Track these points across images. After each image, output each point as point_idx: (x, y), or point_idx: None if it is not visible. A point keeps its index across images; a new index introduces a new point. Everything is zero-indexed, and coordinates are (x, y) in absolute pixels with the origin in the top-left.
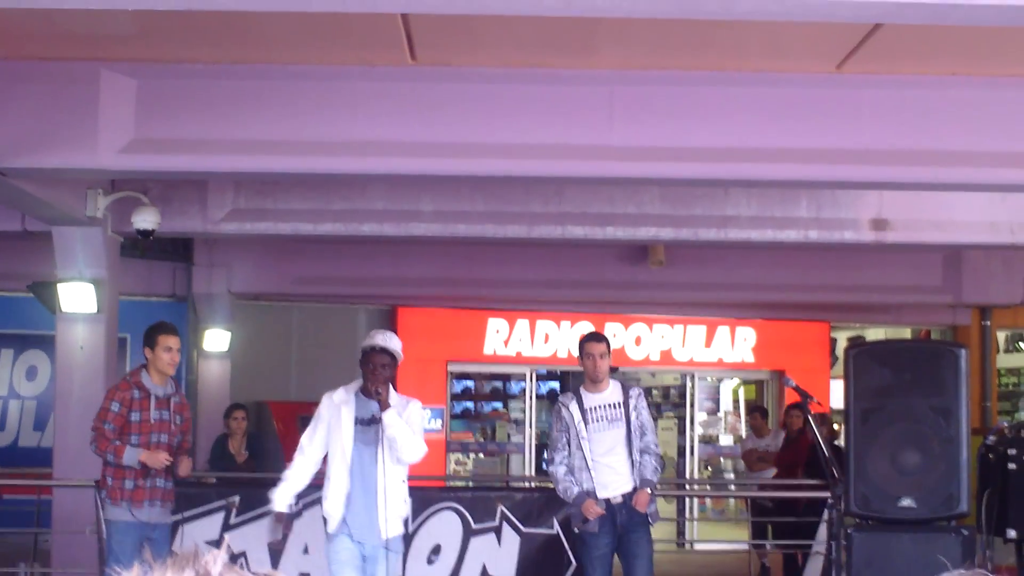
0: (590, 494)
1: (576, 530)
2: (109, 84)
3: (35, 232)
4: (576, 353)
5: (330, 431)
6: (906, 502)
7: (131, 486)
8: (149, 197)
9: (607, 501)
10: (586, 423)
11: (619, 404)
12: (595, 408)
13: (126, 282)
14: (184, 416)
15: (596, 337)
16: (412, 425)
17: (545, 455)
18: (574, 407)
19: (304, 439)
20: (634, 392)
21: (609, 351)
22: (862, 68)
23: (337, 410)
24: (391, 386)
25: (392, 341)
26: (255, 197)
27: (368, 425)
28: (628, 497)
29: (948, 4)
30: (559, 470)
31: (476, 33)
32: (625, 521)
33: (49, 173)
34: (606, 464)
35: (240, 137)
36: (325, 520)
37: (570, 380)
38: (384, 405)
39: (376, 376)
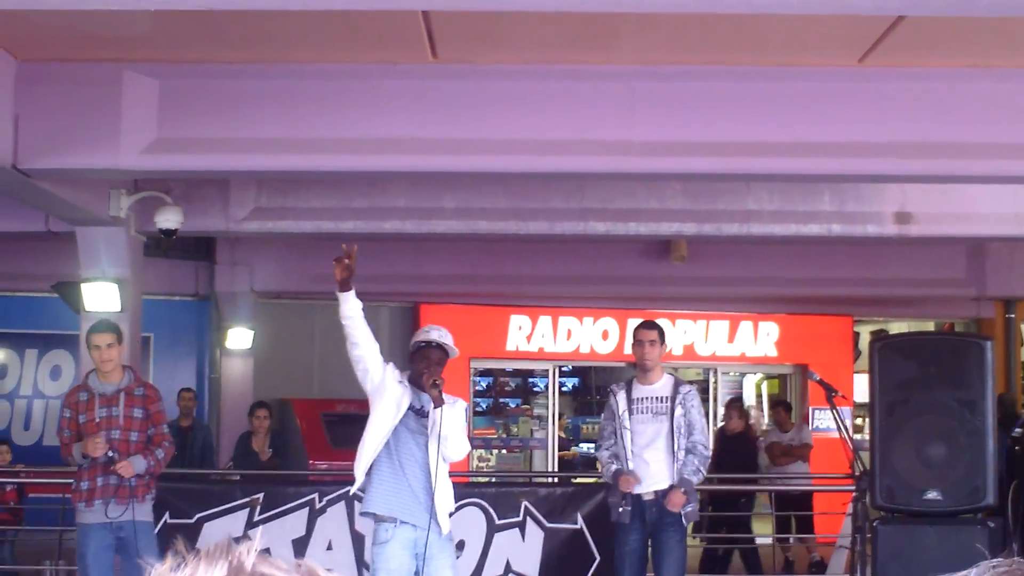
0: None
1: (612, 520)
2: (131, 85)
3: (59, 232)
4: (599, 348)
5: (385, 395)
6: (932, 495)
7: (86, 487)
8: (172, 196)
9: (638, 496)
10: (630, 413)
11: (667, 398)
12: (642, 399)
13: (149, 281)
14: (150, 409)
15: (647, 324)
16: (459, 424)
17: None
18: (621, 396)
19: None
20: (684, 388)
21: (662, 340)
22: (884, 61)
23: (397, 387)
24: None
25: (447, 337)
26: (277, 196)
27: (418, 415)
28: (662, 495)
29: None
30: (603, 455)
31: (497, 30)
32: (655, 519)
33: (72, 174)
34: (644, 458)
35: (262, 136)
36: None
37: (592, 376)
38: (438, 401)
39: (432, 371)
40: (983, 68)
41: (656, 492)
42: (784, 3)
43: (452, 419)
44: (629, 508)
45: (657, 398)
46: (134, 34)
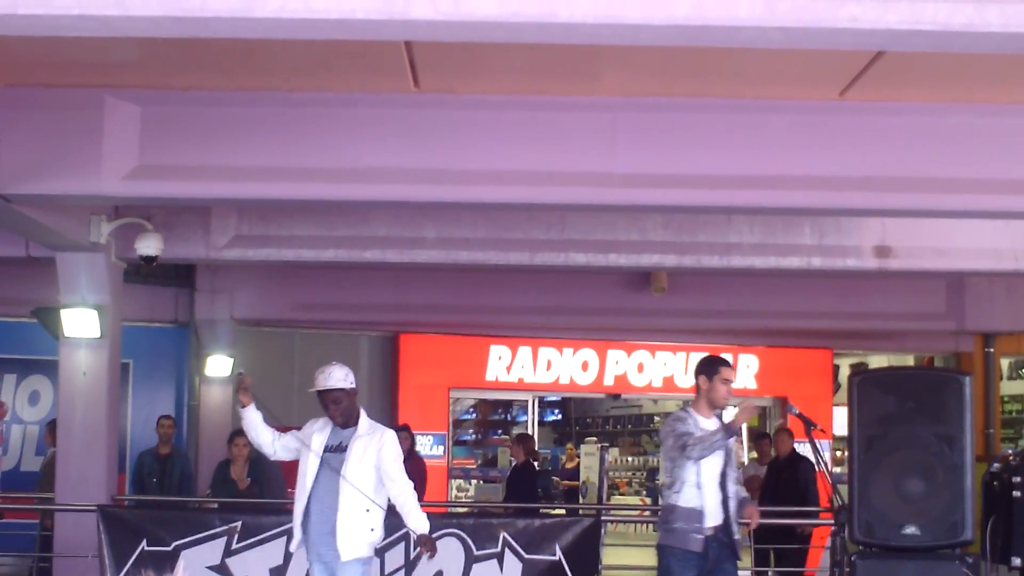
0: (697, 513)
1: (666, 561)
2: (113, 111)
3: (39, 257)
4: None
5: (302, 456)
6: (910, 530)
7: None
8: (152, 223)
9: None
10: None
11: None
12: (712, 433)
13: (129, 308)
14: None
15: (729, 363)
16: (386, 456)
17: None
18: (692, 421)
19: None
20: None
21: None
22: (865, 95)
23: (311, 436)
24: (359, 414)
25: (332, 379)
26: (258, 223)
27: (336, 453)
28: (719, 530)
29: (952, 32)
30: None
31: (479, 60)
32: (716, 554)
33: (53, 199)
34: (709, 491)
35: (243, 164)
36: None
37: (572, 407)
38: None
39: (332, 412)
40: (964, 103)
41: (715, 527)
42: (766, 37)
43: (379, 450)
44: (702, 538)
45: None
46: (117, 60)
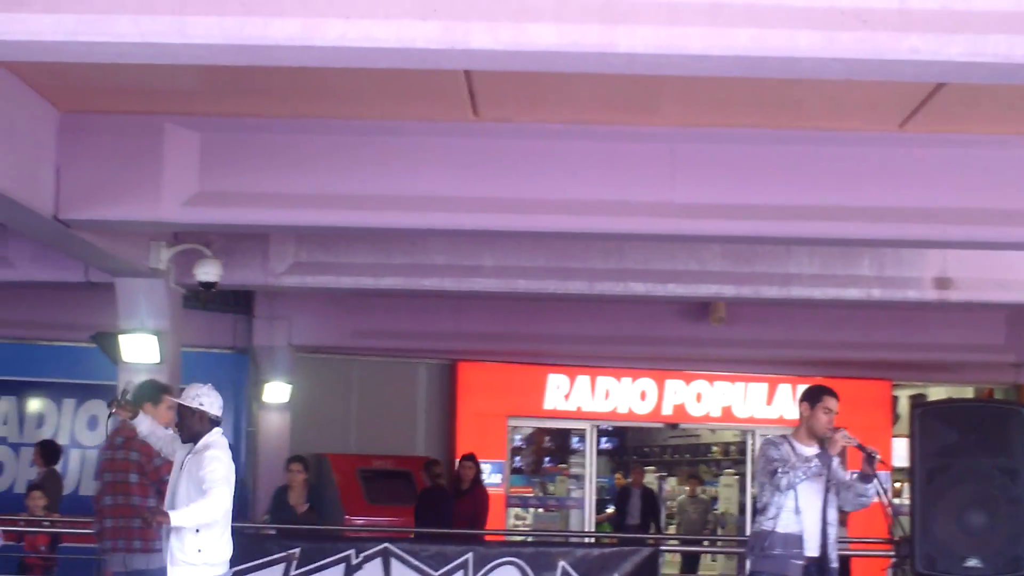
0: (795, 539)
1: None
2: (173, 137)
3: (98, 283)
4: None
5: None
6: (972, 562)
7: None
8: (212, 250)
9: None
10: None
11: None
12: (806, 459)
13: (187, 334)
14: None
15: (832, 392)
16: (203, 473)
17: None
18: (787, 447)
19: None
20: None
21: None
22: (925, 127)
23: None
24: (204, 434)
25: (182, 396)
26: (316, 250)
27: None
28: (813, 563)
29: (1013, 64)
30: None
31: (538, 90)
32: None
33: (113, 225)
34: (805, 519)
35: (303, 191)
36: None
37: (629, 436)
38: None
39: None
40: None
41: (810, 558)
42: (826, 68)
43: (194, 466)
44: (801, 564)
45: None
46: (176, 87)
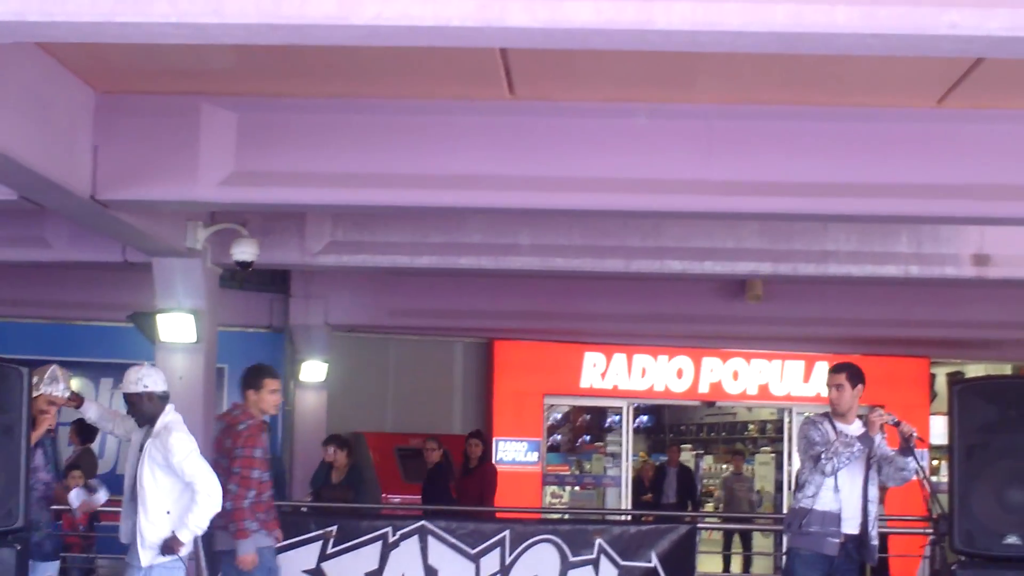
0: (833, 517)
1: (792, 564)
2: (209, 117)
3: (135, 263)
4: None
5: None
6: (1012, 539)
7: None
8: (248, 229)
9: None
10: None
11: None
12: (845, 436)
13: (224, 313)
14: None
15: (835, 368)
16: (174, 462)
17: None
18: (827, 426)
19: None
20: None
21: (851, 383)
22: (964, 103)
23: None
24: (158, 416)
25: (124, 384)
26: (353, 229)
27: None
28: (851, 541)
29: None
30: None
31: (575, 67)
32: (841, 564)
33: (150, 205)
34: (843, 496)
35: (339, 170)
36: None
37: (666, 414)
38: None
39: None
40: None
41: (847, 535)
42: (864, 44)
43: (155, 449)
44: (838, 542)
45: (856, 437)
46: (213, 67)
